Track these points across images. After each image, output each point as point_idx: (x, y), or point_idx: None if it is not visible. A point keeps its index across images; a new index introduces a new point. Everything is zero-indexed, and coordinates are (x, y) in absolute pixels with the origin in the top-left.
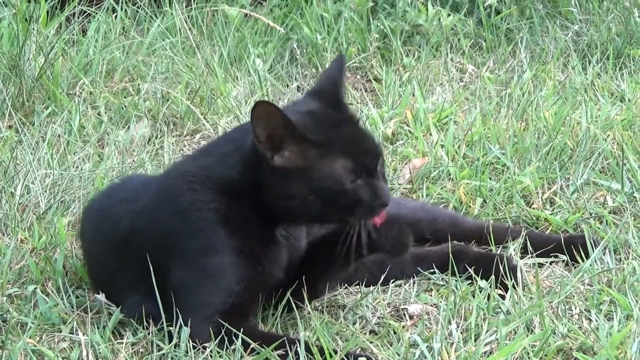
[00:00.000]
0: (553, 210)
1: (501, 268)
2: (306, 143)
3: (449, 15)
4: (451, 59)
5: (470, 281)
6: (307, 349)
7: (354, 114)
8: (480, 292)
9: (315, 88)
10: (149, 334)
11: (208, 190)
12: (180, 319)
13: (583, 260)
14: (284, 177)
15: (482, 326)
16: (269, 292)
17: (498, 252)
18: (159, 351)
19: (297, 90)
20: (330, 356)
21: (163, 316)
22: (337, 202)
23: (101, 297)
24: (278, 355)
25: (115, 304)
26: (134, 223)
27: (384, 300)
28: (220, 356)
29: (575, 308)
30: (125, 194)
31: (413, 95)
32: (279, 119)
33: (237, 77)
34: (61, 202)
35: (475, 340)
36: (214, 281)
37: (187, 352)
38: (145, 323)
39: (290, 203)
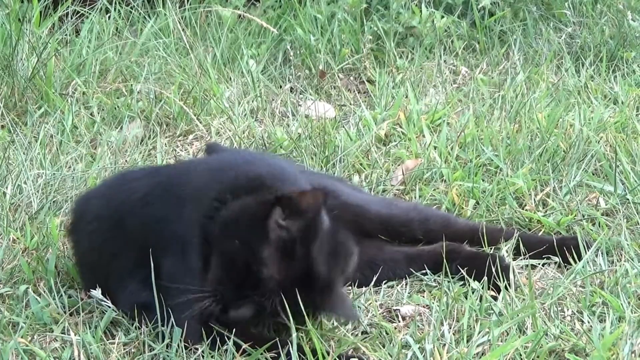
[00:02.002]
0: (546, 212)
1: (493, 268)
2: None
3: (442, 17)
4: (444, 61)
5: (462, 282)
6: (300, 350)
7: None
8: (473, 293)
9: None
10: (140, 334)
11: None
12: (172, 318)
13: (575, 262)
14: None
15: (474, 327)
16: None
17: (490, 252)
18: (150, 351)
19: (291, 91)
20: (323, 357)
21: (158, 312)
22: (244, 274)
23: (96, 292)
24: (270, 357)
25: (111, 296)
26: (138, 204)
27: (376, 301)
28: (212, 357)
29: (568, 310)
30: (136, 176)
31: (406, 97)
32: (319, 215)
33: (230, 78)
34: (53, 202)
35: (467, 342)
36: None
37: (179, 352)
38: (138, 318)
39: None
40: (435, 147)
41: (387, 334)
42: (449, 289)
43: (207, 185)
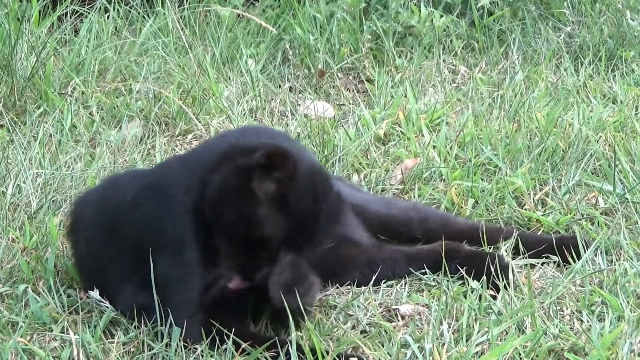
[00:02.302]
0: (545, 211)
1: (493, 268)
2: (281, 189)
3: (441, 16)
4: (443, 60)
5: (462, 281)
6: (299, 350)
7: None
8: (472, 292)
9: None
10: (140, 333)
11: (194, 183)
12: (171, 317)
13: (575, 261)
14: (240, 192)
15: (473, 327)
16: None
17: (490, 251)
18: (150, 350)
19: (290, 90)
20: (322, 357)
21: (157, 311)
22: (246, 239)
23: (95, 293)
24: (269, 356)
25: (109, 298)
26: (129, 207)
27: (375, 300)
28: (211, 356)
29: (567, 309)
30: (126, 180)
31: (405, 96)
32: (290, 162)
33: (229, 78)
34: (52, 201)
35: (466, 341)
36: (191, 277)
37: (178, 352)
38: (137, 319)
39: (225, 214)
40: (434, 147)
41: (386, 333)
42: (448, 288)
43: (191, 173)
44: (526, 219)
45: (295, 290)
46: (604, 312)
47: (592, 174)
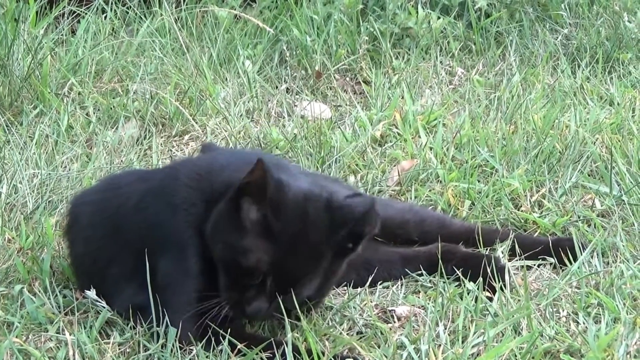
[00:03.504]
0: (541, 212)
1: (489, 269)
2: (264, 217)
3: (438, 18)
4: (440, 62)
5: (458, 283)
6: (295, 350)
7: (335, 265)
8: (468, 294)
9: (342, 202)
10: (135, 334)
11: (199, 192)
12: (167, 318)
13: (571, 263)
14: (228, 215)
15: (469, 328)
16: None
17: (486, 253)
18: (145, 351)
19: (287, 92)
20: (318, 358)
21: (153, 313)
22: (229, 269)
23: (91, 293)
24: (265, 357)
25: (106, 298)
26: (132, 210)
27: (371, 301)
28: (207, 357)
29: (563, 311)
30: (128, 182)
31: (402, 98)
32: (266, 185)
33: (226, 79)
34: (49, 202)
35: (462, 342)
36: (191, 281)
37: (173, 352)
38: (133, 319)
39: (211, 234)
40: (431, 148)
41: (382, 334)
42: (444, 290)
43: (194, 193)
44: (523, 221)
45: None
46: (600, 314)
47: (589, 175)
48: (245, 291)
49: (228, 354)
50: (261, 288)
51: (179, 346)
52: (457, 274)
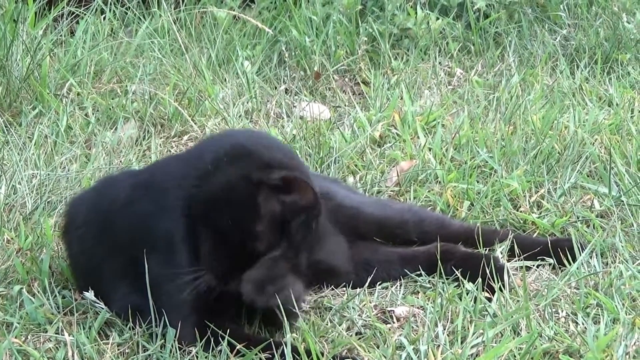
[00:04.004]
0: (540, 213)
1: (488, 269)
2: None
3: (437, 18)
4: (439, 63)
5: (457, 283)
6: (294, 351)
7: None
8: (467, 294)
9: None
10: (134, 334)
11: (188, 184)
12: (165, 318)
13: (570, 264)
14: (249, 203)
15: (468, 329)
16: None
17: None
18: (144, 352)
19: (286, 92)
20: (317, 358)
21: (152, 311)
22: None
23: (90, 294)
24: (264, 357)
25: (103, 298)
26: (121, 207)
27: (370, 302)
28: (206, 357)
29: (562, 311)
30: (119, 180)
31: (401, 99)
32: (314, 196)
33: (225, 79)
34: (48, 202)
35: (461, 343)
36: (183, 277)
37: (173, 353)
38: (132, 319)
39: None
40: (430, 149)
41: (381, 334)
42: (443, 290)
43: (188, 168)
44: (522, 221)
45: (265, 288)
46: (599, 315)
47: (588, 176)
48: (232, 268)
49: (227, 355)
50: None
51: (178, 347)
52: (456, 274)
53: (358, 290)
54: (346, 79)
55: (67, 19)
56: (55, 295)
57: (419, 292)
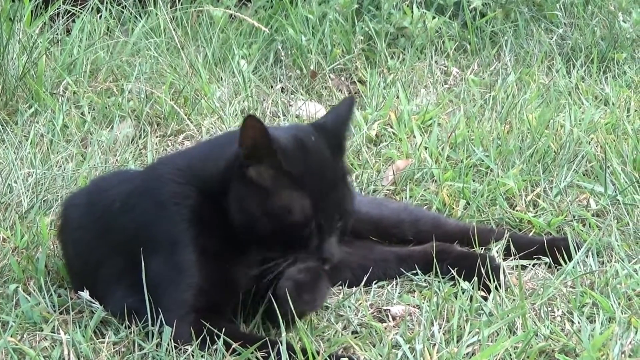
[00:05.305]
0: (536, 212)
1: (484, 269)
2: (279, 169)
3: (434, 17)
4: (436, 62)
5: (453, 282)
6: (290, 350)
7: (345, 168)
8: (463, 293)
9: (321, 122)
10: (130, 333)
11: (188, 185)
12: (162, 317)
13: (566, 263)
14: (248, 191)
15: (464, 327)
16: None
17: (481, 252)
18: (140, 350)
19: (282, 91)
20: (313, 357)
21: (148, 311)
22: (283, 235)
23: (85, 294)
24: (260, 356)
25: (99, 300)
26: (118, 212)
27: (366, 301)
28: (201, 356)
29: (558, 310)
30: (113, 184)
31: (397, 98)
32: (265, 138)
33: (221, 78)
34: (44, 201)
35: (457, 342)
36: (184, 278)
37: (168, 352)
38: (128, 320)
39: (244, 217)
40: (426, 148)
41: (377, 333)
42: (439, 289)
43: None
44: (517, 220)
45: (302, 296)
46: (594, 314)
47: (584, 175)
48: (292, 250)
49: (223, 353)
50: (313, 235)
51: (174, 345)
52: (452, 274)
53: (354, 289)
54: (342, 78)
55: (63, 17)
56: (51, 294)
57: (414, 291)
